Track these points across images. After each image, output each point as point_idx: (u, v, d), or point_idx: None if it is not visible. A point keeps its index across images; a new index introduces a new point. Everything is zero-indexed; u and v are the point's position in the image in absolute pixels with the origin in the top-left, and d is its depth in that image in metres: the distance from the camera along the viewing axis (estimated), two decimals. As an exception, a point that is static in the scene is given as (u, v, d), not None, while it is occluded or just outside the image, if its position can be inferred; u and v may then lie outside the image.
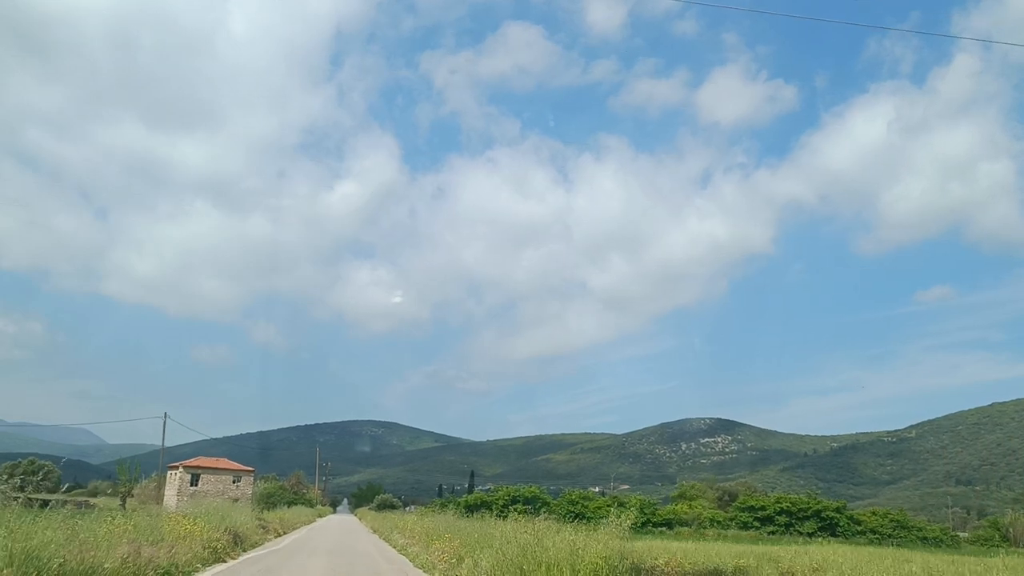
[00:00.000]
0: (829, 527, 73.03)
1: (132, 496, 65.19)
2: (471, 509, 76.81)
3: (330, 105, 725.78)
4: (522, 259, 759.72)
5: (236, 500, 69.98)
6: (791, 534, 71.16)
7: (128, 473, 65.99)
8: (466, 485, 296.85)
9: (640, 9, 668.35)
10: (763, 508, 74.17)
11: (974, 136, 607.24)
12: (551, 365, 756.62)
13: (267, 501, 79.76)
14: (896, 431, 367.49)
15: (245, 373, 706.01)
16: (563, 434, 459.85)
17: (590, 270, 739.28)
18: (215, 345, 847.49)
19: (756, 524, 74.24)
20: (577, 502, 75.45)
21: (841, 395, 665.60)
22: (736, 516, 75.31)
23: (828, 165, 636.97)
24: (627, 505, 77.31)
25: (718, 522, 75.90)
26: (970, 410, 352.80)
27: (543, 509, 76.52)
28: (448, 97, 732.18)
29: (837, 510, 74.43)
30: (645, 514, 73.55)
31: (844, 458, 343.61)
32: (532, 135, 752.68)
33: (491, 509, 75.91)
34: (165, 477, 72.61)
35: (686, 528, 75.03)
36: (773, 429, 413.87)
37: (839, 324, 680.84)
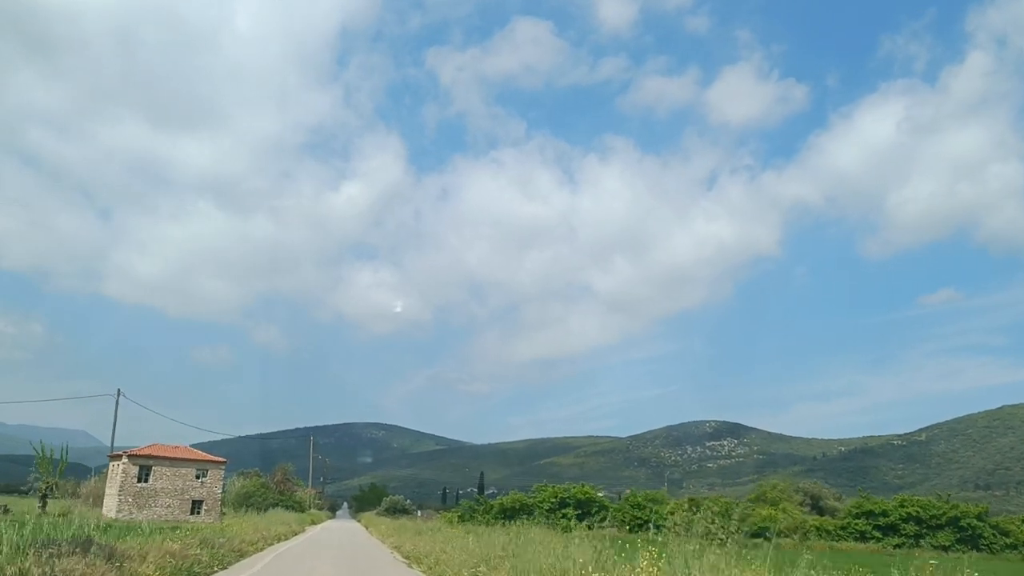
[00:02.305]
0: (970, 539, 54.54)
1: (55, 494, 46.21)
2: (507, 515, 57.80)
3: (336, 104, 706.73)
4: (526, 261, 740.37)
5: (199, 502, 50.86)
6: (922, 547, 52.62)
7: (51, 463, 46.99)
8: (469, 488, 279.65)
9: (652, 4, 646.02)
10: (884, 514, 55.55)
11: (984, 137, 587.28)
12: (554, 368, 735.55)
13: (246, 502, 60.71)
14: (906, 434, 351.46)
15: (246, 375, 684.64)
16: (567, 437, 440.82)
17: (594, 272, 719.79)
18: (216, 346, 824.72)
19: (876, 534, 55.74)
20: (643, 506, 56.52)
21: (845, 399, 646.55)
22: (849, 524, 56.64)
23: (836, 166, 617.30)
24: (707, 509, 58.40)
25: (826, 531, 57.14)
26: (980, 413, 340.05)
27: (600, 515, 57.65)
28: (455, 96, 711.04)
29: (978, 517, 55.68)
30: (732, 521, 54.09)
31: (855, 462, 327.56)
32: (538, 135, 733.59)
33: (532, 515, 57.10)
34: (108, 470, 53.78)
35: (788, 539, 56.18)
36: (779, 432, 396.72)
37: (844, 327, 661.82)
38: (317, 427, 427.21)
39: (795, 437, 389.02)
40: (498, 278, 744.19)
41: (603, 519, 56.22)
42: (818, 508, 72.86)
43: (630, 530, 57.26)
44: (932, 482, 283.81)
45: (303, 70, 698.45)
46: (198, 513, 51.01)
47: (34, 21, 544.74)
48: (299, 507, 67.19)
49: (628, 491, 59.38)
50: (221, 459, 53.27)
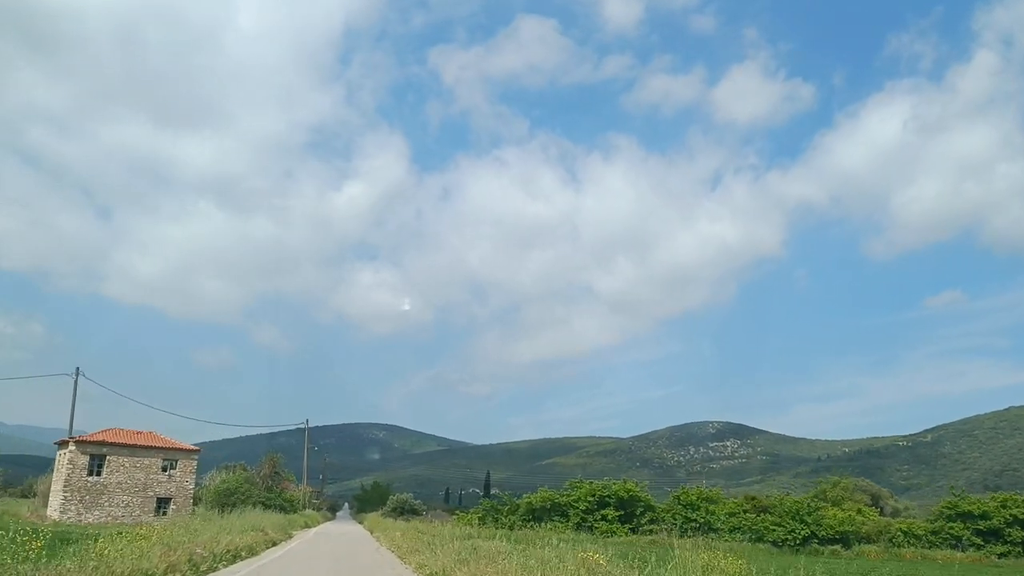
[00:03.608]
0: (1089, 545, 44.38)
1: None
2: (535, 517, 47.72)
3: (338, 103, 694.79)
4: (528, 261, 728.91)
5: (166, 500, 40.88)
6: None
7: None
8: (471, 489, 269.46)
9: (658, 2, 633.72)
10: (984, 516, 45.78)
11: (991, 136, 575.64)
12: (556, 368, 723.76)
13: (227, 500, 50.60)
14: (911, 435, 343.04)
15: (247, 376, 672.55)
16: (570, 437, 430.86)
17: (597, 273, 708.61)
18: (217, 347, 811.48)
19: (976, 540, 45.74)
20: (697, 506, 46.40)
21: (848, 400, 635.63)
22: (941, 528, 46.69)
23: (841, 166, 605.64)
24: (772, 510, 48.38)
25: (915, 536, 47.02)
26: (987, 414, 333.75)
27: (645, 516, 47.64)
28: (458, 94, 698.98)
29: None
30: (807, 525, 44.78)
31: (860, 463, 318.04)
32: (541, 134, 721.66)
33: (567, 517, 47.05)
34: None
35: (870, 546, 46.22)
36: (783, 433, 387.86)
37: (847, 328, 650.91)
38: (318, 427, 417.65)
39: (799, 438, 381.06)
40: (500, 278, 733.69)
41: (649, 521, 46.25)
42: (878, 509, 63.02)
43: (682, 534, 46.67)
44: (939, 483, 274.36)
45: (305, 69, 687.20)
46: (164, 513, 41.16)
47: (36, 19, 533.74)
48: (291, 507, 57.32)
49: (680, 488, 49.29)
50: (193, 447, 43.30)
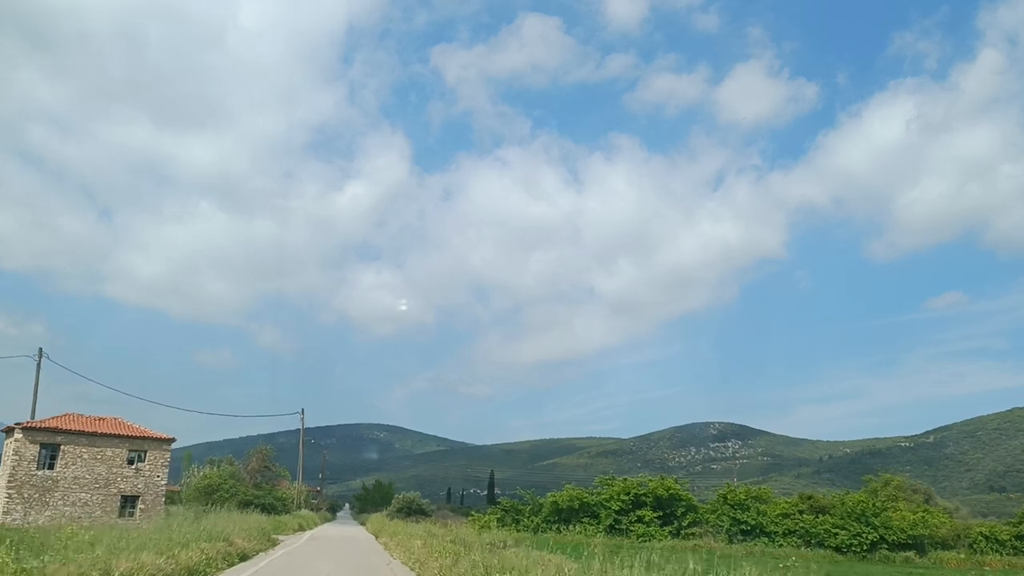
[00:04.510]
0: None
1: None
2: (562, 518, 41.07)
3: (340, 103, 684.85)
4: (530, 262, 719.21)
5: (132, 498, 34.28)
6: None
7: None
8: (472, 489, 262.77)
9: (662, 1, 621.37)
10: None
11: (995, 136, 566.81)
12: (558, 370, 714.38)
13: (209, 498, 44.01)
14: (913, 436, 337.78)
15: (248, 377, 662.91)
16: (571, 438, 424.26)
17: (599, 274, 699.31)
18: (218, 349, 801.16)
19: (1069, 546, 38.99)
20: (746, 506, 39.72)
21: (849, 401, 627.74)
22: (1027, 531, 40.05)
23: (844, 166, 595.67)
24: (831, 511, 41.74)
25: (999, 541, 40.40)
26: (990, 415, 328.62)
27: (687, 517, 41.00)
28: (461, 94, 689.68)
29: None
30: (874, 528, 38.04)
31: (863, 464, 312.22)
32: (543, 134, 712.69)
33: (597, 518, 40.39)
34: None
35: (948, 553, 39.54)
36: (785, 434, 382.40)
37: (849, 329, 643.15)
38: (320, 428, 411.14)
39: (801, 439, 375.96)
40: (502, 279, 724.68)
41: (692, 523, 39.64)
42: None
43: (730, 540, 39.81)
44: (942, 484, 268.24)
45: (308, 68, 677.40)
46: (131, 514, 34.52)
47: (36, 17, 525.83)
48: (282, 506, 50.67)
49: (726, 485, 42.60)
50: (165, 435, 36.53)
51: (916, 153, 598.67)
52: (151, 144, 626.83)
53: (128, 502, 34.70)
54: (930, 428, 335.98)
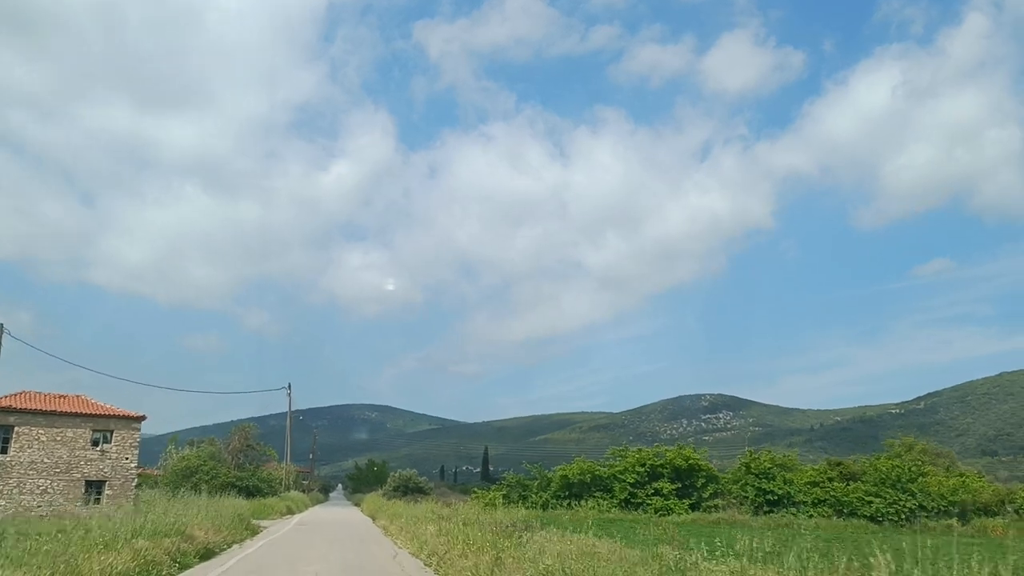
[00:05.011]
0: None
1: None
2: (573, 493, 37.74)
3: (322, 81, 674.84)
4: (517, 238, 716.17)
5: (98, 483, 30.56)
6: None
7: None
8: (465, 467, 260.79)
9: None
10: None
11: (981, 101, 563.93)
12: (547, 346, 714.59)
13: (187, 481, 40.37)
14: (904, 403, 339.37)
15: (237, 360, 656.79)
16: (563, 413, 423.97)
17: (586, 248, 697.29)
18: (206, 333, 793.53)
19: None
20: (772, 475, 36.46)
21: (838, 369, 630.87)
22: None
23: (830, 134, 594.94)
24: (863, 478, 38.69)
25: (1050, 508, 37.36)
26: (979, 380, 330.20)
27: (708, 488, 37.79)
28: (444, 69, 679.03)
29: None
30: (912, 495, 35.30)
31: (855, 432, 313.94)
32: (527, 108, 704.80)
33: (611, 492, 37.06)
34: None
35: (992, 520, 36.76)
36: (776, 404, 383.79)
37: (837, 298, 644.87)
38: (310, 409, 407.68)
39: (791, 408, 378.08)
40: (489, 256, 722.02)
41: (713, 495, 36.45)
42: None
43: (755, 511, 36.50)
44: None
45: (289, 46, 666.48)
46: (97, 501, 30.85)
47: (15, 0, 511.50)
48: (268, 488, 47.30)
49: (747, 453, 39.42)
50: (134, 413, 32.77)
51: (902, 119, 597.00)
52: (132, 126, 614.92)
53: (93, 487, 31.04)
54: (920, 395, 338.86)
